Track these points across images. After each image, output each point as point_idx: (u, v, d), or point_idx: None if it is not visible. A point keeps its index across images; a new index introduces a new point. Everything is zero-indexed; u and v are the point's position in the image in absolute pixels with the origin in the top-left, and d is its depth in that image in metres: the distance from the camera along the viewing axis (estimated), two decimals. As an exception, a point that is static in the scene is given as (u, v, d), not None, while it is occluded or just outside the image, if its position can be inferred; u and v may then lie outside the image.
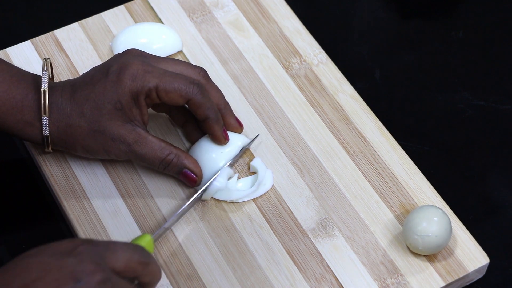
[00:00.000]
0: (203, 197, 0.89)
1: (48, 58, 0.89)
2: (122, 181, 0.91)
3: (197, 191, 0.89)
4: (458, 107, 1.01)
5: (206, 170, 0.90)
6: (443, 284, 0.85)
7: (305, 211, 0.89)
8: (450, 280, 0.85)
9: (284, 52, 1.01)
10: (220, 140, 0.90)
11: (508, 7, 1.10)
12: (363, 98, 0.97)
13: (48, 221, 0.93)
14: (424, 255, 0.86)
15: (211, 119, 0.88)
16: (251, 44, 1.01)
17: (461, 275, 0.85)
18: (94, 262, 0.67)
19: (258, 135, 0.94)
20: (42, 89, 0.85)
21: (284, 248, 0.87)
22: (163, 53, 0.99)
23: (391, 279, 0.85)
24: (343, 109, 0.96)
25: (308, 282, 0.85)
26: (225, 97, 0.92)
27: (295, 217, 0.89)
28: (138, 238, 0.81)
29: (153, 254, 0.82)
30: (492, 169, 0.97)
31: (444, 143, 0.99)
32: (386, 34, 1.08)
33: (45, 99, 0.85)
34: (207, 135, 0.91)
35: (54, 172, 0.91)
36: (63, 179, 0.91)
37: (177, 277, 0.85)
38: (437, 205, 0.89)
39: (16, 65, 0.97)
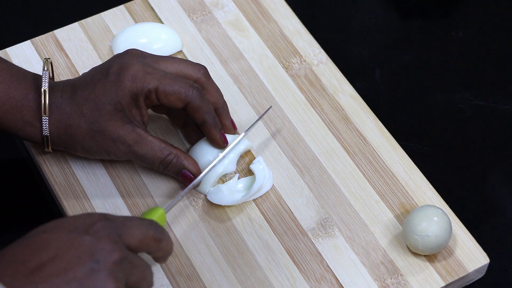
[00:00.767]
0: (201, 188, 0.89)
1: (49, 58, 0.89)
2: (122, 181, 0.91)
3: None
4: (458, 107, 1.01)
5: (210, 177, 0.90)
6: (443, 284, 0.85)
7: (305, 211, 0.89)
8: (450, 280, 0.85)
9: (284, 52, 1.01)
10: (219, 143, 0.90)
11: (508, 7, 1.10)
12: (363, 98, 0.97)
13: (48, 221, 0.93)
14: (424, 255, 0.86)
15: (209, 123, 0.88)
16: (251, 44, 1.01)
17: (461, 275, 0.85)
18: (112, 240, 0.68)
19: (271, 106, 0.95)
20: (42, 89, 0.85)
21: (284, 248, 0.87)
22: (163, 53, 0.99)
23: (391, 279, 0.85)
24: (343, 109, 0.96)
25: (308, 282, 0.85)
26: (225, 97, 0.92)
27: (295, 217, 0.89)
28: (150, 211, 0.81)
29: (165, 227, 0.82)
30: (492, 169, 0.97)
31: (444, 143, 0.99)
32: (386, 34, 1.09)
33: (45, 99, 0.85)
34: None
35: (54, 172, 0.91)
36: (63, 179, 0.91)
37: (177, 277, 0.85)
38: (437, 205, 0.89)
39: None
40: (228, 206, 0.89)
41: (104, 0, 1.06)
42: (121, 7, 1.04)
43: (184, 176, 0.88)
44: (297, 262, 0.86)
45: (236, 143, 0.91)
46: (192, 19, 1.03)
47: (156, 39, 1.00)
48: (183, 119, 0.92)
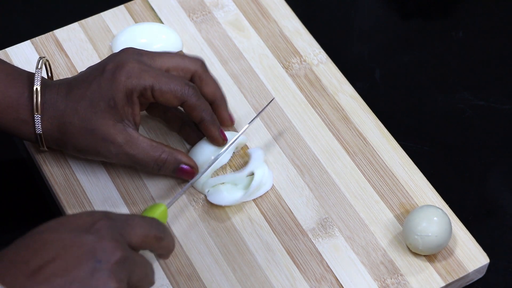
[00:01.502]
0: (201, 188, 0.89)
1: (44, 57, 0.89)
2: (122, 181, 0.91)
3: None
4: (458, 107, 1.01)
5: (207, 171, 0.90)
6: (443, 284, 0.85)
7: (305, 211, 0.89)
8: (450, 280, 0.85)
9: (284, 52, 1.01)
10: (218, 141, 0.90)
11: (508, 7, 1.10)
12: (363, 98, 0.97)
13: (48, 221, 0.93)
14: (424, 255, 0.86)
15: (207, 121, 0.88)
16: (251, 44, 1.01)
17: (461, 275, 0.85)
18: (114, 239, 0.67)
19: (273, 98, 0.95)
20: (34, 88, 0.85)
21: (284, 248, 0.87)
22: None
23: (391, 279, 0.85)
24: (343, 109, 0.96)
25: (308, 282, 0.85)
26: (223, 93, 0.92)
27: (295, 217, 0.89)
28: (151, 207, 0.81)
29: (166, 224, 0.81)
30: (492, 169, 0.97)
31: (444, 143, 0.99)
32: (386, 34, 1.09)
33: (37, 98, 0.85)
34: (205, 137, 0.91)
35: (54, 172, 0.91)
36: (63, 179, 0.91)
37: (177, 277, 0.85)
38: (437, 205, 0.89)
39: (16, 65, 0.97)
40: (228, 206, 0.89)
41: (104, 0, 1.06)
42: (121, 7, 1.04)
43: (182, 171, 0.88)
44: (297, 262, 0.86)
45: (233, 141, 0.91)
46: (192, 19, 1.03)
47: (156, 39, 1.00)
48: (180, 120, 0.92)
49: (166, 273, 0.85)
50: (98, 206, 0.89)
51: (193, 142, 0.92)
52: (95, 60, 0.99)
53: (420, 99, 1.02)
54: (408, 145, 0.96)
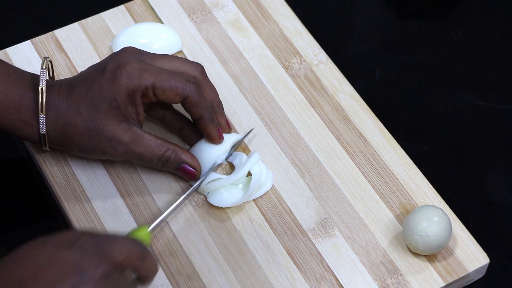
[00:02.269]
0: (201, 190, 0.89)
1: (48, 57, 0.89)
2: (122, 181, 0.91)
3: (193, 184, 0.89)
4: (458, 107, 1.01)
5: (205, 170, 0.90)
6: (443, 284, 0.85)
7: (305, 211, 0.89)
8: (450, 280, 0.85)
9: (284, 52, 1.01)
10: (215, 139, 0.90)
11: (508, 7, 1.10)
12: (363, 98, 0.97)
13: (48, 221, 0.93)
14: (424, 255, 0.86)
15: (206, 118, 0.88)
16: (251, 44, 1.01)
17: (461, 275, 0.85)
18: (97, 254, 0.67)
19: (253, 128, 0.94)
20: (39, 87, 0.85)
21: (284, 248, 0.87)
22: (163, 53, 0.99)
23: (391, 279, 0.85)
24: (343, 109, 0.96)
25: (308, 282, 0.85)
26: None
27: (295, 217, 0.89)
28: (135, 230, 0.81)
29: (149, 247, 0.81)
30: (492, 169, 0.97)
31: (444, 143, 0.99)
32: (386, 34, 1.09)
33: (43, 97, 0.85)
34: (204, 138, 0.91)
35: (54, 172, 0.91)
36: (63, 179, 0.91)
37: (177, 277, 0.85)
38: (437, 205, 0.89)
39: (16, 65, 0.97)
40: (229, 207, 0.89)
41: (104, 0, 1.06)
42: (121, 7, 1.04)
43: (184, 171, 0.88)
44: (297, 262, 0.86)
45: (229, 139, 0.91)
46: (192, 19, 1.03)
47: (156, 39, 1.00)
48: (179, 122, 0.92)
49: (166, 273, 0.85)
50: (98, 206, 0.89)
51: (192, 143, 0.92)
52: (95, 60, 0.99)
53: (420, 99, 1.02)
54: (408, 145, 0.96)
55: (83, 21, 1.03)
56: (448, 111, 1.01)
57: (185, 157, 0.88)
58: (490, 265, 0.87)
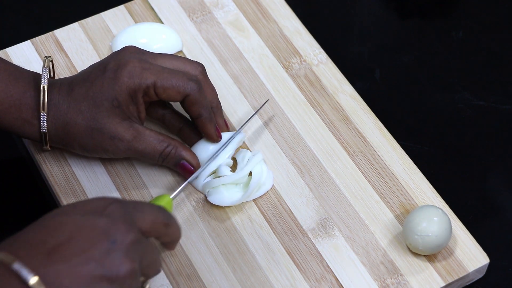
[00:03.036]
0: (201, 188, 0.89)
1: (49, 56, 0.89)
2: (122, 181, 0.91)
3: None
4: (458, 107, 1.01)
5: (206, 171, 0.90)
6: (443, 284, 0.85)
7: (305, 211, 0.89)
8: (450, 280, 0.85)
9: (284, 52, 1.01)
10: (213, 138, 0.90)
11: (508, 7, 1.10)
12: (363, 98, 0.97)
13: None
14: (424, 255, 0.86)
15: (204, 118, 0.88)
16: (251, 44, 1.01)
17: (461, 275, 0.85)
18: (127, 221, 0.68)
19: (268, 100, 0.95)
20: (41, 86, 0.86)
21: (284, 248, 0.87)
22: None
23: (391, 279, 0.85)
24: (343, 109, 0.96)
25: (308, 282, 0.85)
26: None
27: (295, 217, 0.89)
28: (157, 198, 0.82)
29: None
30: (492, 169, 0.97)
31: (444, 143, 0.99)
32: (386, 34, 1.09)
33: (44, 96, 0.86)
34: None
35: (54, 172, 0.91)
36: (63, 179, 0.91)
37: (177, 277, 0.85)
38: (437, 205, 0.89)
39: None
40: (228, 206, 0.89)
41: (104, 0, 1.06)
42: (121, 7, 1.04)
43: (183, 167, 0.89)
44: (297, 262, 0.86)
45: (231, 138, 0.91)
46: (192, 19, 1.03)
47: (156, 39, 1.00)
48: (179, 122, 0.92)
49: (166, 273, 0.85)
50: (98, 206, 0.89)
51: (192, 143, 0.92)
52: (95, 60, 0.99)
53: (420, 99, 1.02)
54: (408, 145, 0.96)
55: (83, 21, 1.03)
56: (448, 111, 1.01)
57: (184, 153, 0.88)
58: (490, 265, 0.87)
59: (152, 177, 0.91)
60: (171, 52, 1.00)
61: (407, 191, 0.90)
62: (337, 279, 0.85)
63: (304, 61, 1.00)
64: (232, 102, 0.96)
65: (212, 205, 0.89)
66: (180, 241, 0.87)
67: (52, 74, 0.93)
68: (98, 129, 0.86)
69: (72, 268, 0.65)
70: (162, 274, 0.85)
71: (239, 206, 0.89)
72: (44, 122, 0.86)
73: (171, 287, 0.84)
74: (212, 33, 1.02)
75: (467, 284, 0.88)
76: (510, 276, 0.90)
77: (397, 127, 0.97)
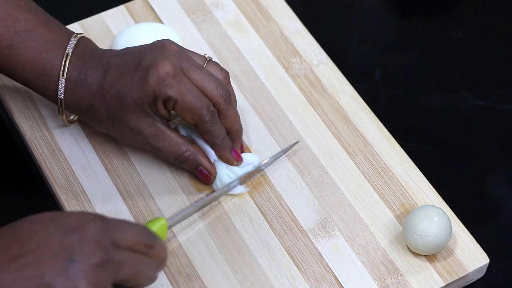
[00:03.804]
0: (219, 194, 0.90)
1: (82, 34, 0.90)
2: (122, 181, 0.91)
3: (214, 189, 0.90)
4: (458, 107, 1.01)
5: (222, 176, 0.90)
6: (443, 284, 0.85)
7: (305, 211, 0.89)
8: (450, 280, 0.85)
9: (284, 52, 1.01)
10: (229, 162, 0.90)
11: (508, 7, 1.10)
12: (363, 98, 0.97)
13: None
14: (424, 255, 0.86)
15: (217, 146, 0.88)
16: (251, 44, 1.01)
17: (461, 275, 0.85)
18: (96, 241, 0.67)
19: (298, 141, 0.94)
20: (65, 52, 0.87)
21: (284, 248, 0.87)
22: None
23: (391, 279, 0.85)
24: (343, 109, 0.96)
25: (308, 282, 0.85)
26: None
27: (295, 217, 0.89)
28: (152, 220, 0.81)
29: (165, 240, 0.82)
30: (492, 169, 0.97)
31: (444, 143, 0.99)
32: (386, 34, 1.09)
33: (66, 61, 0.87)
34: None
35: (54, 172, 0.91)
36: (63, 179, 0.91)
37: (177, 277, 0.85)
38: (437, 205, 0.89)
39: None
40: (228, 206, 0.89)
41: (104, 0, 1.06)
42: (121, 7, 1.04)
43: (201, 173, 0.89)
44: (297, 262, 0.86)
45: (247, 169, 0.91)
46: (192, 19, 1.03)
47: (156, 39, 0.99)
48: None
49: (166, 273, 0.85)
50: (98, 206, 0.89)
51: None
52: (95, 60, 0.99)
53: (420, 99, 1.02)
54: (408, 145, 0.96)
55: (83, 21, 1.03)
56: (448, 111, 1.01)
57: (202, 160, 0.89)
58: (490, 265, 0.87)
59: (152, 177, 0.91)
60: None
61: (407, 191, 0.90)
62: (337, 279, 0.85)
63: (304, 61, 1.00)
64: (232, 102, 0.96)
65: (212, 205, 0.89)
66: (180, 241, 0.87)
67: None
68: (120, 119, 0.87)
69: (24, 280, 0.64)
70: (162, 274, 0.85)
71: (239, 206, 0.89)
72: (62, 87, 0.87)
73: (171, 287, 0.84)
74: (212, 33, 1.02)
75: (467, 284, 0.88)
76: (510, 276, 0.90)
77: (397, 127, 0.97)
